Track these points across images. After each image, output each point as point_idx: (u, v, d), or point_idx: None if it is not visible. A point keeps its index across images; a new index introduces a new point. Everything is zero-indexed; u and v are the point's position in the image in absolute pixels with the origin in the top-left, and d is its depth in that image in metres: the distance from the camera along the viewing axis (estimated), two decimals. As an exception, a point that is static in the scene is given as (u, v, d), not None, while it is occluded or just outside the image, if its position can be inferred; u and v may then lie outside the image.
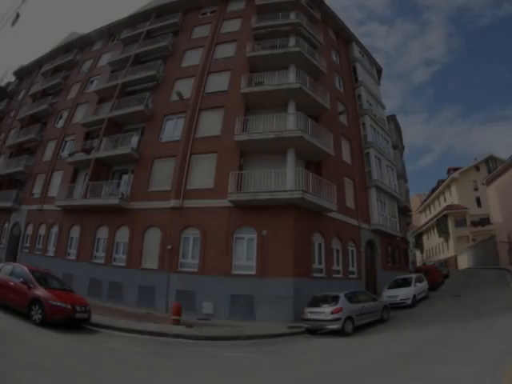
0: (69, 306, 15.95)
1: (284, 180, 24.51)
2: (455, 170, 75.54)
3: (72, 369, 10.10)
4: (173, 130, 30.36)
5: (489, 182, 53.35)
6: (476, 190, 70.50)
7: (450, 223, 71.84)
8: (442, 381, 9.36)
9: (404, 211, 48.25)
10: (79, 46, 46.11)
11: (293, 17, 31.77)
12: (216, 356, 14.29)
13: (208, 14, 36.96)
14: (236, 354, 14.76)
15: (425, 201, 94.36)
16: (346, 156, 33.80)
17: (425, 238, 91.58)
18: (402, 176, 48.28)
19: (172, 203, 26.57)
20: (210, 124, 28.89)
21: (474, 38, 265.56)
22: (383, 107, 46.50)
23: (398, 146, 51.57)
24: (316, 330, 19.61)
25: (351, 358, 13.47)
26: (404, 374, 10.17)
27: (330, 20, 39.64)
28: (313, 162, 28.07)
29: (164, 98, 32.27)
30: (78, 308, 16.38)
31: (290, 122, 26.19)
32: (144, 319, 21.02)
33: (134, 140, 30.59)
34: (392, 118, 52.24)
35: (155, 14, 39.49)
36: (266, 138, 25.23)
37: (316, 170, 27.25)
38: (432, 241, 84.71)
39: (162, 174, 28.66)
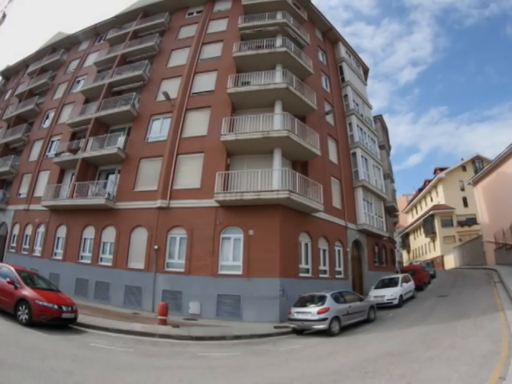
0: (55, 306, 15.89)
1: (270, 180, 24.60)
2: (442, 170, 76.08)
3: (58, 369, 10.05)
4: (159, 130, 30.37)
5: (475, 182, 53.43)
6: (463, 190, 71.07)
7: (437, 223, 72.14)
8: (428, 381, 9.38)
9: (390, 211, 48.47)
10: (66, 46, 46.05)
11: (279, 17, 31.80)
12: (202, 356, 14.22)
13: (195, 14, 37.01)
14: (223, 354, 14.76)
15: (411, 201, 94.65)
16: (333, 156, 33.92)
17: (411, 238, 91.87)
18: (388, 176, 48.50)
19: (159, 203, 26.54)
20: (197, 124, 28.90)
21: (461, 39, 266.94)
22: (370, 107, 46.66)
23: (385, 146, 51.72)
24: (303, 330, 19.65)
25: (338, 357, 13.43)
26: (390, 374, 10.14)
27: (316, 20, 39.81)
28: (299, 162, 28.18)
29: (150, 98, 32.27)
30: (64, 308, 16.29)
31: (277, 122, 26.23)
32: (131, 319, 20.97)
33: (121, 140, 30.49)
34: (379, 118, 52.45)
35: (142, 13, 39.47)
36: (253, 138, 25.24)
37: (303, 170, 27.42)
38: (419, 241, 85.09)
39: (149, 174, 28.63)
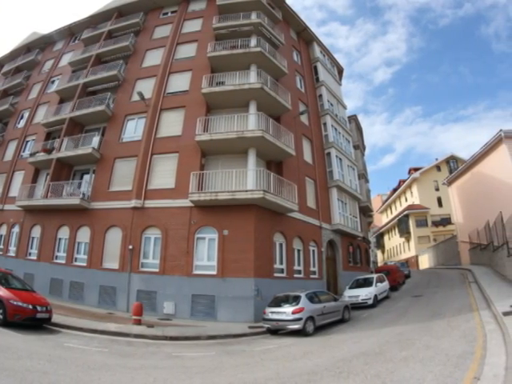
0: (30, 306, 15.87)
1: (245, 180, 24.70)
2: (416, 170, 76.43)
3: (33, 369, 10.02)
4: (134, 129, 30.33)
5: (450, 182, 53.79)
6: (437, 190, 71.47)
7: (411, 223, 72.51)
8: (403, 381, 9.35)
9: (365, 211, 48.81)
10: (40, 46, 45.73)
11: (254, 17, 31.92)
12: (177, 356, 14.24)
13: (169, 14, 37.02)
14: (197, 354, 14.74)
15: (386, 201, 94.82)
16: (308, 156, 34.15)
17: (386, 238, 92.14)
18: (363, 176, 48.81)
19: (133, 203, 26.51)
20: (172, 124, 28.96)
21: (436, 39, 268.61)
22: (344, 107, 47.02)
23: (359, 146, 51.92)
24: (277, 330, 19.71)
25: (312, 357, 13.35)
26: (365, 374, 10.13)
27: (291, 20, 39.98)
28: (274, 162, 28.36)
29: (125, 98, 32.22)
30: (39, 308, 16.26)
31: (252, 122, 26.31)
32: (105, 319, 20.92)
33: (95, 140, 30.38)
34: (353, 118, 52.66)
35: (116, 13, 39.36)
36: (227, 137, 25.31)
37: (277, 170, 27.63)
38: (393, 241, 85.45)
39: (123, 174, 28.59)
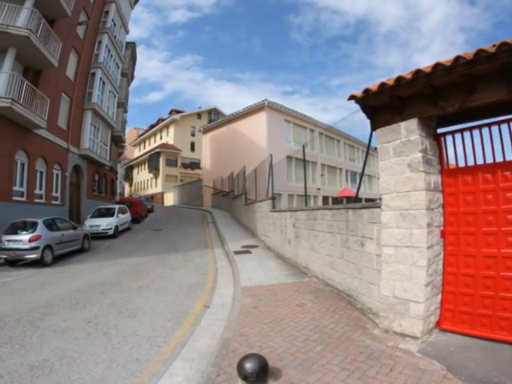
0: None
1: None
2: (178, 112, 79.53)
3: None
4: None
5: (206, 131, 57.30)
6: (193, 135, 76.38)
7: (162, 161, 75.06)
8: (137, 309, 10.08)
9: (117, 141, 48.92)
10: None
11: None
12: None
13: None
14: None
15: (142, 135, 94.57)
16: (71, 71, 31.74)
17: (136, 171, 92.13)
18: (122, 105, 48.23)
19: None
20: None
21: (243, 4, 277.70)
22: (127, 32, 45.74)
23: (128, 75, 51.13)
24: (16, 261, 17.87)
25: (50, 289, 12.94)
26: (101, 304, 10.70)
27: None
28: (33, 70, 25.44)
29: None
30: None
31: (22, 19, 22.75)
32: None
33: None
34: (131, 46, 51.65)
35: None
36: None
37: (34, 80, 24.97)
38: (142, 175, 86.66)
39: None
